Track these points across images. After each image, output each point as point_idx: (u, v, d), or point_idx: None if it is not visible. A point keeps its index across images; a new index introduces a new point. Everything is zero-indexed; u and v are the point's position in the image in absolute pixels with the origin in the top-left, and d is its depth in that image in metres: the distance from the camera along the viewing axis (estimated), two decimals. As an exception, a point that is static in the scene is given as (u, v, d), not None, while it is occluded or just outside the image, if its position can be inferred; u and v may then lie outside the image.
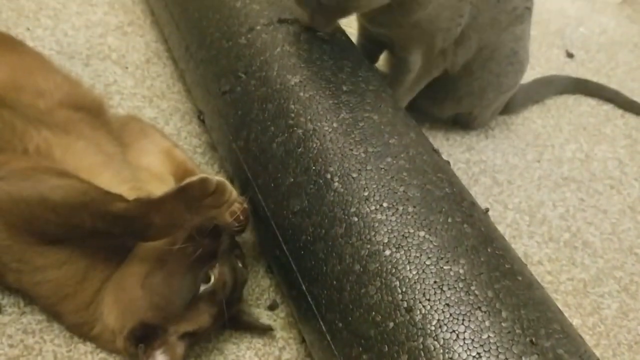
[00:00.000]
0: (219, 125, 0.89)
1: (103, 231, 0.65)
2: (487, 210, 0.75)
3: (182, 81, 1.09)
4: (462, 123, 1.19)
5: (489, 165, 1.15)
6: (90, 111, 0.80)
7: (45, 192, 0.64)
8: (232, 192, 0.67)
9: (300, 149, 0.73)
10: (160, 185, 0.76)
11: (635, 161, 1.29)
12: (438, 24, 0.92)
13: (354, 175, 0.68)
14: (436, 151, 0.76)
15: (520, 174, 1.15)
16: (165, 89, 1.08)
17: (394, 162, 0.69)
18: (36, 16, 1.14)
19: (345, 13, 0.80)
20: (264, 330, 0.79)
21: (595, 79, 1.50)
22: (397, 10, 0.81)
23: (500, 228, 1.01)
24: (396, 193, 0.66)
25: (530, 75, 1.35)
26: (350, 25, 0.98)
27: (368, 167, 0.69)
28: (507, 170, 1.15)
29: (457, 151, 1.16)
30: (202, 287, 0.69)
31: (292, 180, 0.73)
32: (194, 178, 0.64)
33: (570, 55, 1.63)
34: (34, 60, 0.83)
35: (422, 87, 1.05)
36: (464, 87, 1.07)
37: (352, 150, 0.71)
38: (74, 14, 1.17)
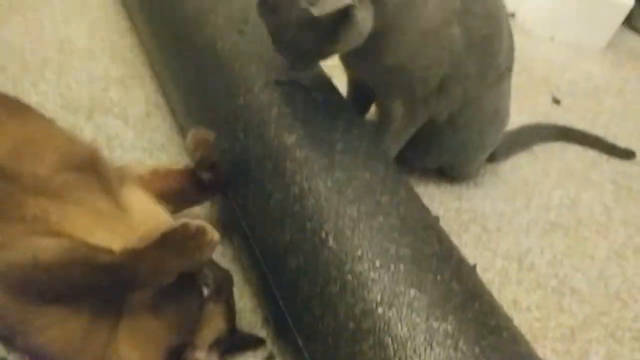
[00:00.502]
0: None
1: (96, 285, 0.68)
2: (474, 265, 0.78)
3: (182, 133, 1.13)
4: (448, 174, 1.22)
5: (479, 213, 1.18)
6: (86, 169, 0.81)
7: (36, 253, 0.67)
8: (214, 234, 0.70)
9: (296, 207, 0.77)
10: (152, 223, 0.80)
11: (620, 206, 1.33)
12: (413, 72, 0.94)
13: (348, 233, 0.72)
14: (425, 207, 0.80)
15: (509, 221, 1.19)
16: (165, 141, 1.12)
17: (386, 220, 0.73)
18: (40, 71, 1.18)
19: (321, 56, 0.83)
20: (259, 344, 0.83)
21: (582, 124, 1.55)
22: (370, 54, 0.84)
23: (489, 275, 1.06)
24: (388, 251, 0.70)
25: (518, 121, 1.40)
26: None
27: (361, 226, 0.72)
28: (496, 217, 1.19)
29: (447, 199, 1.19)
30: (206, 291, 0.73)
31: (289, 237, 0.76)
32: (174, 224, 0.67)
33: (556, 102, 1.69)
34: (35, 125, 0.85)
35: (409, 136, 1.07)
36: (449, 140, 1.11)
37: (346, 209, 0.74)
38: (77, 68, 1.21)
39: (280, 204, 0.79)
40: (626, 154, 1.51)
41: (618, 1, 2.00)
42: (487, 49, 1.00)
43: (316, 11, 0.72)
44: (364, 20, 0.78)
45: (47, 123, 0.86)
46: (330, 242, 0.72)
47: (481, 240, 1.12)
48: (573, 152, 1.47)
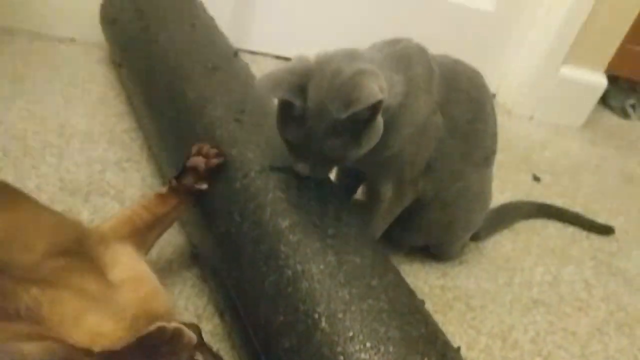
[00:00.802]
0: (212, 262, 0.97)
1: None
2: (459, 348, 0.81)
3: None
4: (434, 252, 1.27)
5: (463, 290, 1.22)
6: (74, 251, 0.82)
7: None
8: (191, 337, 0.71)
9: (290, 289, 0.80)
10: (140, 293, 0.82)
11: (601, 282, 1.38)
12: (404, 158, 1.01)
13: (340, 315, 0.75)
14: (412, 291, 0.84)
15: (493, 298, 1.23)
16: (160, 222, 1.16)
17: (375, 303, 0.77)
18: (41, 154, 1.23)
19: (344, 160, 0.88)
20: None
21: (561, 201, 1.61)
22: (369, 151, 0.89)
23: (474, 354, 1.08)
24: (378, 333, 0.73)
25: (500, 199, 1.47)
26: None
27: (352, 308, 0.76)
28: (479, 295, 1.22)
29: (432, 277, 1.23)
30: None
31: (282, 318, 0.79)
32: (150, 328, 0.69)
33: (537, 179, 1.75)
34: (26, 212, 0.85)
35: (395, 216, 1.12)
36: (436, 219, 1.16)
37: (337, 291, 0.78)
38: (77, 151, 1.26)
39: (275, 285, 0.82)
40: (605, 230, 1.56)
41: (593, 82, 2.11)
42: (472, 132, 1.07)
43: (353, 108, 0.78)
44: (380, 122, 0.85)
45: (36, 208, 0.87)
46: (323, 323, 0.75)
47: (465, 318, 1.16)
48: (553, 229, 1.52)
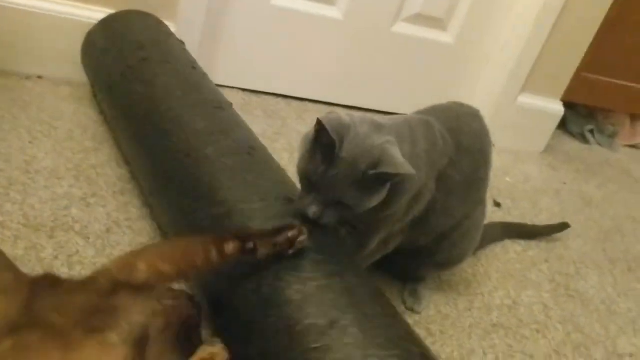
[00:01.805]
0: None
1: None
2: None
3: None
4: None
5: (423, 316, 1.25)
6: (22, 325, 0.72)
7: None
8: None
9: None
10: None
11: (559, 305, 1.42)
12: (395, 216, 1.07)
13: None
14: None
15: (453, 324, 1.26)
16: (124, 256, 1.18)
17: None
18: (6, 191, 1.24)
19: (353, 211, 0.93)
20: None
21: (521, 225, 1.66)
22: (370, 210, 0.95)
23: (434, 379, 1.11)
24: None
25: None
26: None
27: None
28: (439, 320, 1.26)
29: (395, 304, 1.26)
30: None
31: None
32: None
33: (497, 205, 1.80)
34: None
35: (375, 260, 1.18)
36: (442, 253, 1.24)
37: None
38: (42, 188, 1.28)
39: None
40: (561, 227, 1.67)
41: (551, 109, 2.18)
42: (476, 179, 1.20)
43: (381, 169, 0.88)
44: (387, 186, 0.94)
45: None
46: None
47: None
48: (513, 254, 1.57)
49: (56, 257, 1.13)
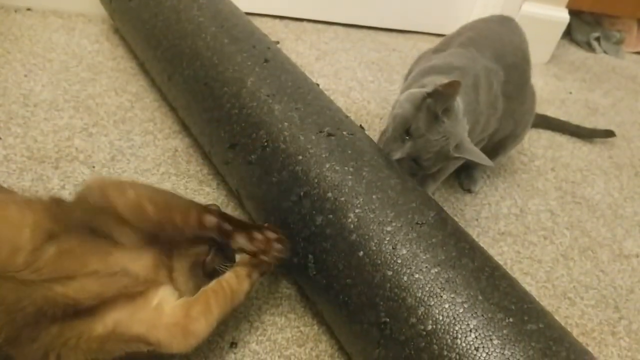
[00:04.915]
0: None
1: None
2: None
3: (146, 176, 1.19)
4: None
5: (432, 228, 1.26)
6: (58, 232, 0.75)
7: None
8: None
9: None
10: None
11: (565, 211, 1.42)
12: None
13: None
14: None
15: (461, 234, 1.26)
16: (131, 183, 1.18)
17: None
18: (7, 125, 1.24)
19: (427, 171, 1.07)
20: None
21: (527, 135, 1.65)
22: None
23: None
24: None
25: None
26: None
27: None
28: (448, 231, 1.26)
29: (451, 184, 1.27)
30: None
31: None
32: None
33: (502, 117, 1.78)
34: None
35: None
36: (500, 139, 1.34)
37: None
38: (42, 120, 1.27)
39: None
40: (606, 134, 1.75)
41: (556, 17, 2.12)
42: (525, 77, 1.31)
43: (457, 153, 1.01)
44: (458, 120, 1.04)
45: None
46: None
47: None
48: (519, 164, 1.56)
49: (63, 187, 1.13)
